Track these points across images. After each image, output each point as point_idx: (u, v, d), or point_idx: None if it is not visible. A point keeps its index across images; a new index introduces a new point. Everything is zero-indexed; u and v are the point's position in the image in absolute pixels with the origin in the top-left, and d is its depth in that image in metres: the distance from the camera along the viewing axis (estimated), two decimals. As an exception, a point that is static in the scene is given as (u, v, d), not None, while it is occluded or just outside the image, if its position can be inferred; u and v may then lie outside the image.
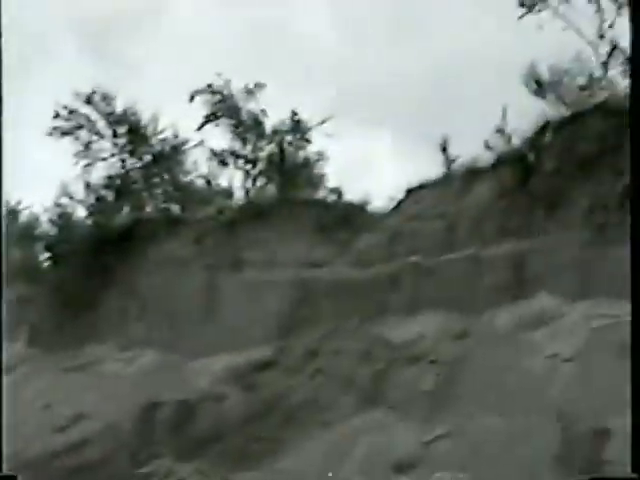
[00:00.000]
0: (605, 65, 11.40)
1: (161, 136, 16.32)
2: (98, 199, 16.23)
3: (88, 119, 15.93)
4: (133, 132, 16.14)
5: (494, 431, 7.76)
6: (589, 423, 7.36)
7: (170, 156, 16.36)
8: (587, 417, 7.43)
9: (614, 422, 7.24)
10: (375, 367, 9.42)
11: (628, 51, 11.10)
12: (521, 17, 11.75)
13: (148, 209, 15.80)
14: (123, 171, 16.19)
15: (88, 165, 16.04)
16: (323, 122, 14.73)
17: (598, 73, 11.29)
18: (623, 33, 11.30)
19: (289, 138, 15.10)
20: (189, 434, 10.06)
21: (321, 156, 15.32)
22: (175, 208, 15.66)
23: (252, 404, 9.88)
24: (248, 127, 15.48)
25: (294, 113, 15.07)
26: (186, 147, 16.43)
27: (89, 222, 15.26)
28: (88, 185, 16.22)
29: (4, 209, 14.98)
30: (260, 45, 24.57)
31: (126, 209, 15.91)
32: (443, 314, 9.64)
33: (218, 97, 15.45)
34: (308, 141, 15.14)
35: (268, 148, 14.91)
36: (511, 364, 8.47)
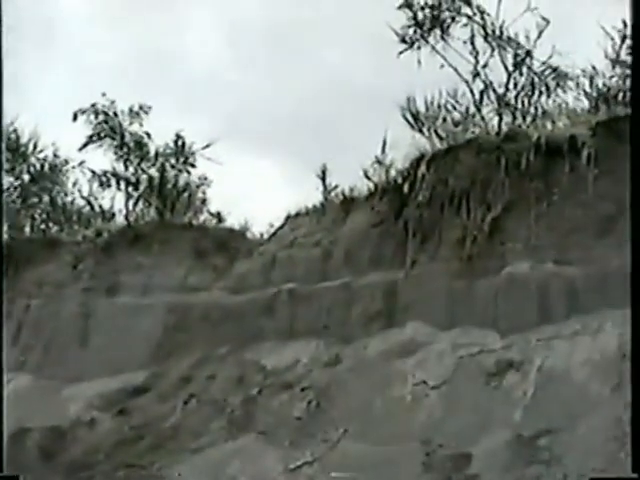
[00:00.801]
0: (480, 102, 11.83)
1: (41, 155, 16.05)
2: (-28, 218, 15.79)
3: (-37, 135, 15.52)
4: (12, 149, 15.81)
5: (359, 457, 7.90)
6: (452, 448, 7.60)
7: (50, 176, 16.09)
8: (450, 443, 7.66)
9: (475, 447, 7.51)
10: (248, 393, 9.46)
11: (500, 90, 11.63)
12: (401, 53, 12.08)
13: (25, 230, 15.47)
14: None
15: (-38, 183, 15.60)
16: (207, 146, 14.73)
17: (472, 110, 11.71)
18: (496, 73, 11.82)
19: (172, 161, 15.04)
20: (59, 461, 9.86)
21: (204, 180, 15.33)
22: (54, 229, 15.39)
23: (124, 430, 9.76)
24: (131, 149, 15.36)
25: (178, 136, 15.05)
26: (67, 167, 16.19)
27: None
28: (-38, 204, 15.76)
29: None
30: (147, 67, 24.42)
31: (3, 229, 15.54)
32: (317, 341, 9.77)
33: (102, 117, 15.28)
34: (192, 165, 15.11)
35: (150, 171, 14.83)
36: (380, 391, 8.66)
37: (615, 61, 11.35)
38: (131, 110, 15.19)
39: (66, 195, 16.22)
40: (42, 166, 16.03)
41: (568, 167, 9.11)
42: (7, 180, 15.80)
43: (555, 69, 11.72)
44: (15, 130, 15.70)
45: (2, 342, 5.76)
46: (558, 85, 11.79)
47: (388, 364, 8.99)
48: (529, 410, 7.67)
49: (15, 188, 15.95)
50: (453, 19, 12.00)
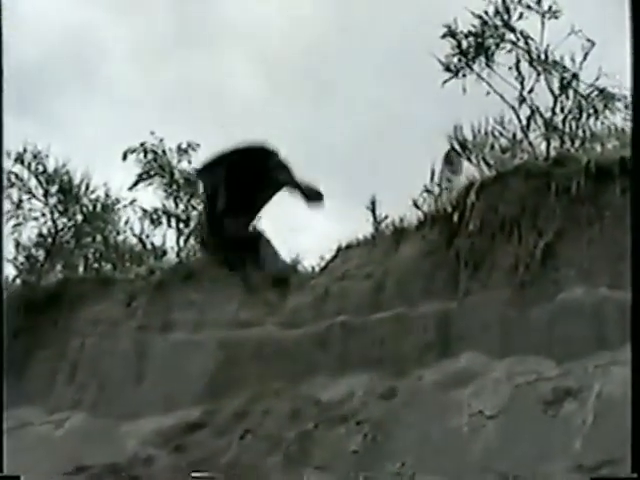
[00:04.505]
0: (527, 128, 11.80)
1: (93, 195, 16.33)
2: (28, 258, 16.09)
3: (19, 178, 15.86)
4: (64, 191, 16.12)
5: (418, 490, 7.86)
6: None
7: (102, 216, 16.36)
8: (509, 473, 7.55)
9: (536, 477, 7.39)
10: (303, 427, 9.42)
11: (547, 115, 11.58)
12: (446, 82, 12.13)
13: (79, 269, 15.70)
14: (54, 230, 16.12)
15: (18, 224, 15.94)
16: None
17: (519, 136, 11.67)
18: (543, 97, 11.80)
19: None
20: (117, 498, 9.92)
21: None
22: (107, 268, 15.59)
23: (181, 466, 9.78)
24: (181, 186, 15.56)
25: (226, 172, 15.15)
26: (118, 206, 16.45)
27: (18, 282, 15.08)
28: (18, 244, 16.10)
29: None
30: (193, 105, 24.77)
31: (57, 269, 15.80)
32: (371, 374, 9.71)
33: (151, 156, 15.52)
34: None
35: (200, 208, 14.97)
36: (436, 423, 8.57)
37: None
38: (179, 147, 15.44)
39: (118, 234, 16.49)
40: (94, 206, 16.31)
41: (619, 190, 9.00)
42: (61, 221, 16.11)
43: (602, 90, 11.68)
44: (67, 172, 16.03)
45: (2, 340, 5.83)
46: (606, 107, 11.73)
47: (443, 395, 8.90)
48: (589, 439, 7.52)
49: (69, 229, 16.24)
50: (497, 45, 12.04)
